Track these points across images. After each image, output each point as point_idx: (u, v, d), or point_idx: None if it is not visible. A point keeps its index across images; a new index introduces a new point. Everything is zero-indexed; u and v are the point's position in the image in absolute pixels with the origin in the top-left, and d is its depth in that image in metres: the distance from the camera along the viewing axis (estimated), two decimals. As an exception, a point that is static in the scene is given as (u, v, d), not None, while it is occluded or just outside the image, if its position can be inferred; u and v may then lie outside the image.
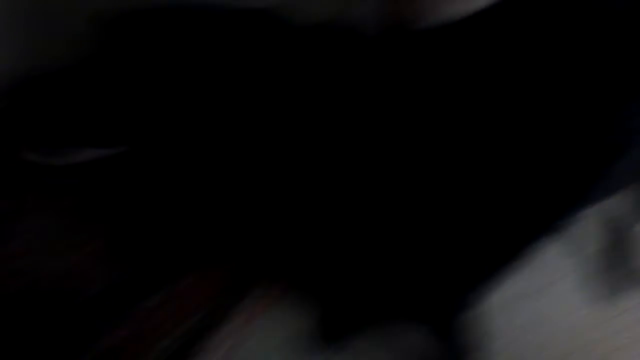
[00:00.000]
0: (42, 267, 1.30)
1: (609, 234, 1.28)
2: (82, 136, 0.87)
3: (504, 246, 0.94)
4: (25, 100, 0.86)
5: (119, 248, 1.31)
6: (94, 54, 0.86)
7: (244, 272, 1.30)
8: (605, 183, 0.95)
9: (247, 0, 0.86)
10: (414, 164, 0.85)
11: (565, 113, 0.86)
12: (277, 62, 0.84)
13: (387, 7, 1.60)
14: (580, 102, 0.86)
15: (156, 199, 1.30)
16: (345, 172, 0.85)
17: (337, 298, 1.26)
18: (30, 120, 0.86)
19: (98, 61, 0.86)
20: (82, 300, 1.25)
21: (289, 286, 1.30)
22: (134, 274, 1.30)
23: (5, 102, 0.86)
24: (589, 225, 1.33)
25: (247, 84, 0.83)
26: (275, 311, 1.28)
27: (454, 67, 0.89)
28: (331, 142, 0.84)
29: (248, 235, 1.12)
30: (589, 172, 0.90)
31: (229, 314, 1.27)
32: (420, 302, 1.00)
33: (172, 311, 1.26)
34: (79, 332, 1.21)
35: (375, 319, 1.23)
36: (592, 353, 1.20)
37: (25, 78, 0.87)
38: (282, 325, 1.27)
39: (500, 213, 0.89)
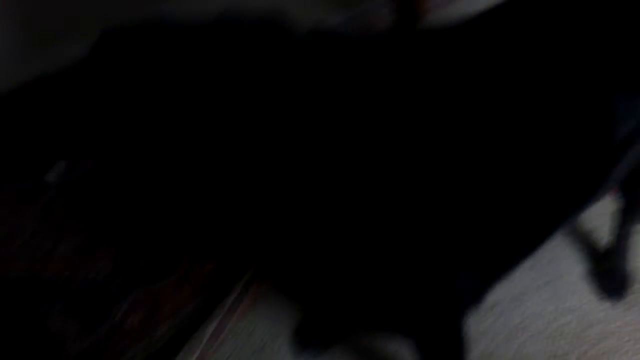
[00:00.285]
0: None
1: (609, 235, 1.31)
2: (54, 149, 0.87)
3: (512, 248, 0.94)
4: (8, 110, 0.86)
5: (98, 247, 1.31)
6: (79, 65, 0.86)
7: (227, 272, 1.31)
8: (608, 181, 0.96)
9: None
10: (421, 167, 0.85)
11: (569, 111, 0.88)
12: (279, 70, 0.84)
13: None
14: (583, 99, 0.88)
15: (135, 202, 1.30)
16: (342, 177, 0.85)
17: (319, 303, 1.26)
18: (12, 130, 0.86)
19: (82, 73, 0.86)
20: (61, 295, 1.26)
21: (272, 287, 1.30)
22: (115, 272, 1.30)
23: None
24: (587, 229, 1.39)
25: (240, 92, 0.83)
26: (255, 312, 1.29)
27: (461, 66, 0.89)
28: (328, 144, 0.83)
29: (231, 235, 1.12)
30: (594, 171, 0.92)
31: (211, 314, 1.27)
32: (406, 314, 1.00)
33: (152, 310, 1.27)
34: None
35: (355, 329, 1.23)
36: (581, 357, 1.22)
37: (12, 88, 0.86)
38: (261, 329, 1.27)
39: (507, 215, 0.88)
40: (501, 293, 1.27)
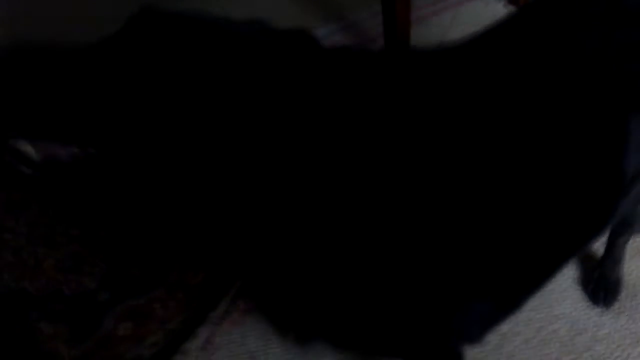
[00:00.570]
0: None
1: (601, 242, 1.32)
2: (52, 129, 0.83)
3: (520, 281, 0.91)
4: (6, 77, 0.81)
5: (88, 257, 1.31)
6: (102, 42, 0.80)
7: (217, 282, 1.30)
8: (619, 209, 0.93)
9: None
10: (424, 192, 0.81)
11: (579, 135, 0.84)
12: (306, 80, 0.81)
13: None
14: (594, 121, 0.85)
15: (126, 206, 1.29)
16: (351, 196, 0.82)
17: (306, 322, 1.25)
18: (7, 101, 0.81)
19: (103, 51, 0.80)
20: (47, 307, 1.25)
21: (258, 303, 1.30)
22: (105, 282, 1.29)
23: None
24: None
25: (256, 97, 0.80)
26: (247, 322, 1.28)
27: (468, 86, 0.86)
28: (329, 161, 0.81)
29: (221, 247, 1.10)
30: (604, 200, 0.89)
31: (201, 324, 1.27)
32: (405, 339, 0.98)
33: (143, 320, 1.26)
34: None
35: (345, 346, 1.22)
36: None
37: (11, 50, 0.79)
38: (252, 338, 1.27)
39: (515, 247, 0.85)
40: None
